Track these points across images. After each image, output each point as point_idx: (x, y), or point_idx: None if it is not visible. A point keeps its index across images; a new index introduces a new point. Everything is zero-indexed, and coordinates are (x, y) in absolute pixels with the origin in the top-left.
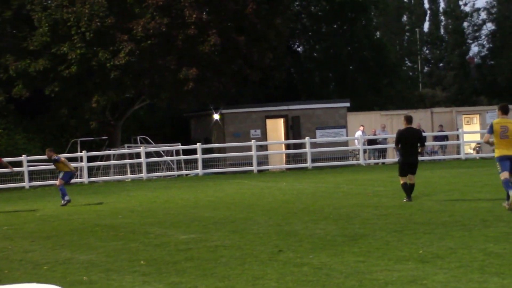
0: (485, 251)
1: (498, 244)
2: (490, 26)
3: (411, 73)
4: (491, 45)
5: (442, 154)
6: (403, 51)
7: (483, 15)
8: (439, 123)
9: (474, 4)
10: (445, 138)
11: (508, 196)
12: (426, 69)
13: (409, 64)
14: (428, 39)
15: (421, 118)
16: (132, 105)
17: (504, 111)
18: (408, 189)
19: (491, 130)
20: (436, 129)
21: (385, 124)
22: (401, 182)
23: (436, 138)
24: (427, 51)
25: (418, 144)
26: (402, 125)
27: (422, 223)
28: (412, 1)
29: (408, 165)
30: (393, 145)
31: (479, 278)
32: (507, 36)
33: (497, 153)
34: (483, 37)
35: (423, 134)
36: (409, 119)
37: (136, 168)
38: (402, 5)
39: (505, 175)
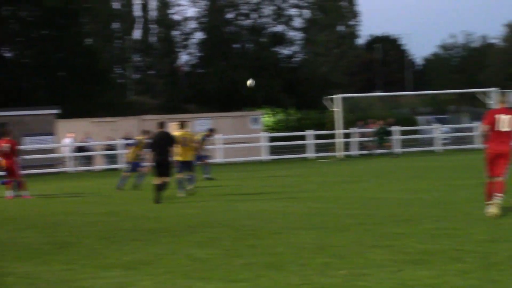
0: (190, 257)
1: (203, 249)
2: (199, 35)
3: (121, 80)
4: (200, 54)
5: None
6: (114, 58)
7: (193, 24)
8: (148, 131)
9: (184, 13)
10: None
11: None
12: (136, 76)
13: (120, 71)
14: (139, 47)
15: (131, 126)
16: None
17: (181, 126)
18: (159, 189)
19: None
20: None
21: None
22: (154, 182)
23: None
24: (138, 59)
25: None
26: (110, 132)
27: (129, 230)
28: (124, 9)
29: (159, 165)
30: (101, 152)
31: (185, 283)
32: (216, 45)
33: (179, 158)
34: (193, 45)
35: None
36: (161, 124)
37: None
38: (113, 12)
39: (180, 175)
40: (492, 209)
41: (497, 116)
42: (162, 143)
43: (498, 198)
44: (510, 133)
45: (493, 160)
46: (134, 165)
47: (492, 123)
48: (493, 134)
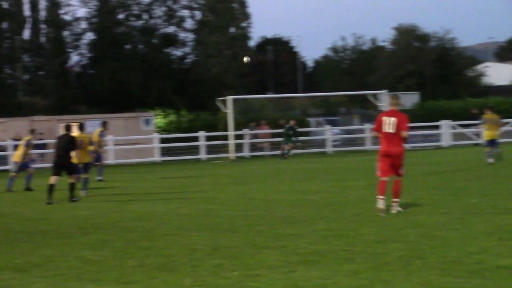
0: (82, 259)
1: (95, 251)
2: (90, 35)
3: (11, 81)
4: (91, 55)
5: (41, 162)
6: (3, 58)
7: (83, 24)
8: (39, 132)
9: (74, 14)
10: (44, 146)
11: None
12: (26, 76)
13: (9, 71)
14: (28, 47)
15: (21, 126)
16: None
17: (81, 128)
18: (52, 191)
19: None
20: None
21: None
22: (50, 182)
23: (36, 146)
24: (28, 59)
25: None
26: None
27: (19, 232)
28: (12, 8)
29: (58, 166)
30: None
31: (76, 285)
32: (106, 46)
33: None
34: (84, 46)
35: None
36: (67, 127)
37: None
38: (3, 11)
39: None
40: (379, 205)
41: (384, 118)
42: (62, 145)
43: (395, 204)
44: (397, 134)
45: (385, 161)
46: (22, 166)
47: (380, 125)
48: (382, 136)
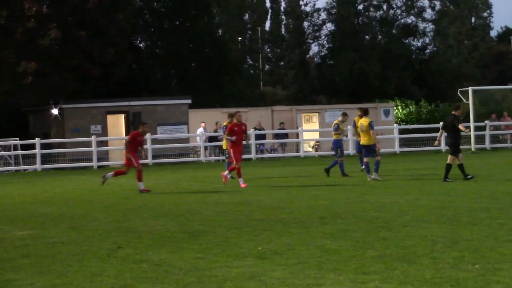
0: (322, 248)
1: (335, 241)
2: (330, 26)
3: (252, 71)
4: (330, 45)
5: (282, 151)
6: (245, 49)
7: (323, 15)
8: (279, 121)
9: (314, 4)
10: (285, 136)
11: None
12: (267, 67)
13: (250, 62)
14: (269, 38)
15: (262, 116)
16: None
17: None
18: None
19: None
20: (277, 126)
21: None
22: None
23: (277, 136)
24: (268, 50)
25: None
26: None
27: (261, 220)
28: (254, 0)
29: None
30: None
31: (316, 274)
32: (345, 37)
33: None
34: (323, 37)
35: (263, 131)
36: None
37: None
38: (244, 3)
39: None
40: None
41: None
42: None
43: None
44: None
45: None
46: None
47: None
48: None
